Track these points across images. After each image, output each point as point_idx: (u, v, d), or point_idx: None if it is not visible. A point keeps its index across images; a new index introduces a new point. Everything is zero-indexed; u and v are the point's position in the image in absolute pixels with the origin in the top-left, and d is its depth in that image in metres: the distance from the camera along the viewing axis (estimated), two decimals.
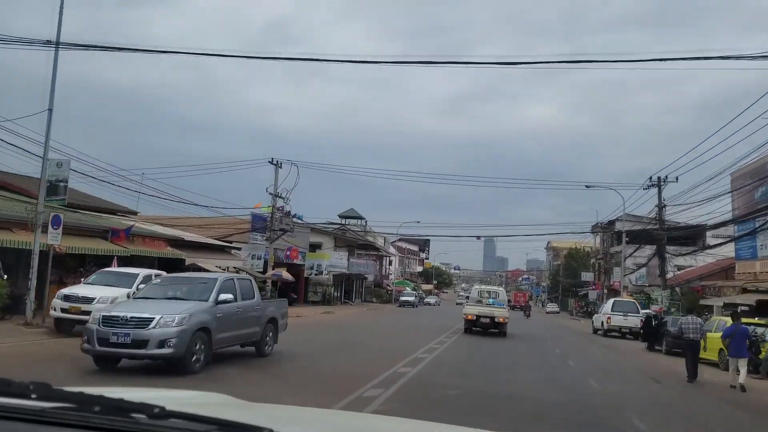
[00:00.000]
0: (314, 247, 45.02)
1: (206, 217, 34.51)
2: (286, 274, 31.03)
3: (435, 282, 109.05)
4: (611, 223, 56.31)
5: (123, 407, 1.27)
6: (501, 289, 29.07)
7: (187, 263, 24.28)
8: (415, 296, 59.43)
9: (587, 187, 37.81)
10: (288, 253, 38.59)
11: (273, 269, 32.63)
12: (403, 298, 56.79)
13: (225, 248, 29.85)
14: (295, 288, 42.67)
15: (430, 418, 2.73)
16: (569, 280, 77.09)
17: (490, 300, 24.37)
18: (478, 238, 39.35)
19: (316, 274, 42.80)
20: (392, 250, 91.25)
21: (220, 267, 26.35)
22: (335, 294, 47.51)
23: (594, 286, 55.94)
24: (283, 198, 32.62)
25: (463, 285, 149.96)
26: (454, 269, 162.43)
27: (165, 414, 1.23)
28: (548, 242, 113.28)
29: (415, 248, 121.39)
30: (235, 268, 30.60)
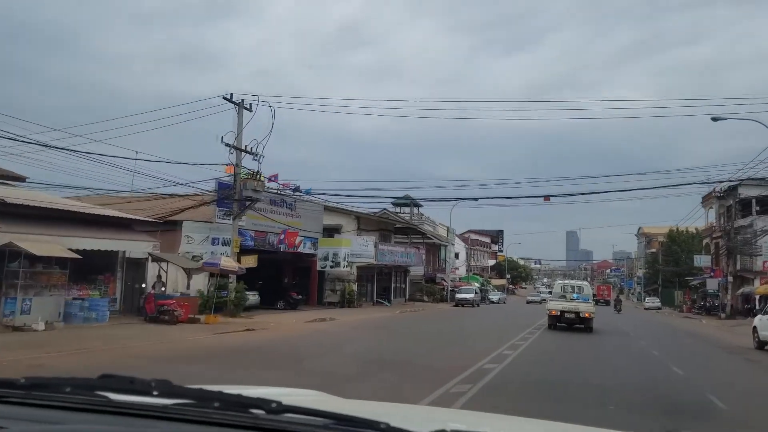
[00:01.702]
0: (332, 232, 34.81)
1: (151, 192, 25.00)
2: (228, 263, 19.93)
3: (508, 276, 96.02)
4: (733, 188, 42.70)
5: (242, 402, 1.27)
6: (585, 283, 28.96)
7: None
8: (476, 293, 47.85)
9: (714, 119, 25.05)
10: (282, 237, 28.54)
11: (238, 256, 22.74)
12: (459, 296, 45.51)
13: (127, 222, 19.14)
14: (303, 285, 32.64)
15: None
16: (671, 268, 63.20)
17: (575, 295, 23.87)
18: (546, 198, 28.14)
19: (331, 267, 32.50)
20: (459, 242, 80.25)
21: (75, 249, 16.10)
22: (362, 292, 37.04)
23: (713, 273, 42.15)
24: (251, 153, 22.60)
25: (544, 280, 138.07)
26: (535, 263, 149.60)
27: (282, 409, 1.24)
28: (639, 228, 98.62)
29: (487, 240, 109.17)
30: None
